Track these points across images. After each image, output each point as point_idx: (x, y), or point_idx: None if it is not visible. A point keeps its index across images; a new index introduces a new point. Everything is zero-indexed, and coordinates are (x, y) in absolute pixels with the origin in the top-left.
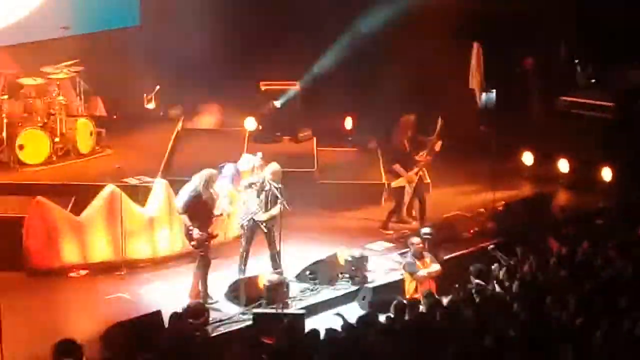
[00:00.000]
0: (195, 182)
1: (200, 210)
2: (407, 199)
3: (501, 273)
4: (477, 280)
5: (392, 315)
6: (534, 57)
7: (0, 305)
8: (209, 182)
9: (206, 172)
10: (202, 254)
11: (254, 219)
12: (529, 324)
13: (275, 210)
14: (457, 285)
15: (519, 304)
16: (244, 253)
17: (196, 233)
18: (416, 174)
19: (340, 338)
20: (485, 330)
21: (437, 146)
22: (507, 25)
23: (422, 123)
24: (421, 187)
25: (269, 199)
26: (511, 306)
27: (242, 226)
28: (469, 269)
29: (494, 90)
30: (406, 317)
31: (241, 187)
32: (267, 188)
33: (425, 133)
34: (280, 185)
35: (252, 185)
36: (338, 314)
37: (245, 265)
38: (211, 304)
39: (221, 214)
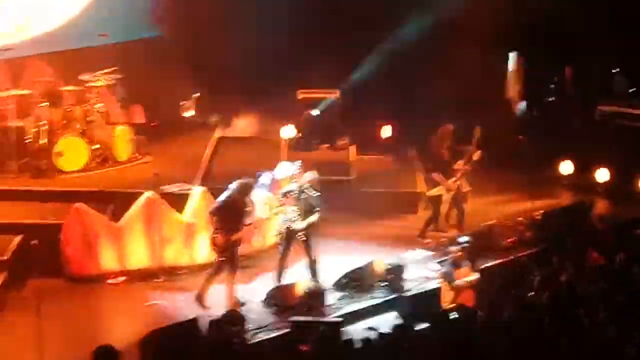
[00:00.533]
0: (231, 189)
1: (230, 217)
2: (445, 207)
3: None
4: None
5: (429, 325)
6: (573, 67)
7: (40, 311)
8: (244, 191)
9: (244, 181)
10: (223, 260)
11: (291, 227)
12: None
13: (312, 219)
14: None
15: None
16: (282, 261)
17: (218, 239)
18: (455, 182)
19: (376, 347)
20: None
21: (476, 155)
22: (545, 35)
23: (460, 132)
24: (459, 196)
25: (306, 207)
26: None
27: (279, 234)
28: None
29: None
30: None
31: (279, 195)
32: (304, 196)
33: (463, 142)
34: (317, 193)
35: (290, 194)
36: (371, 328)
37: (282, 273)
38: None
39: (251, 224)
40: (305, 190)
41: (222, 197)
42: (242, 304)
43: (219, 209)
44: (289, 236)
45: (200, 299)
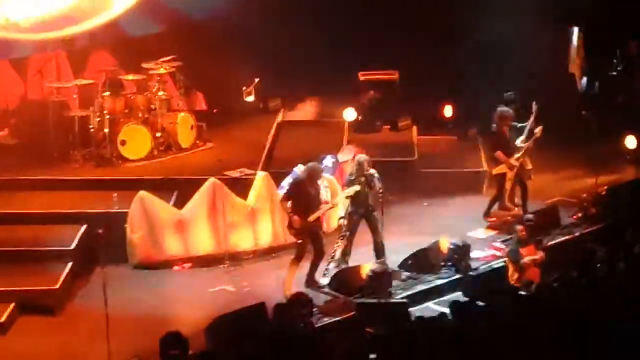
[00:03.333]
0: (297, 173)
1: (301, 200)
2: (508, 185)
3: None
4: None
5: (493, 303)
6: (636, 40)
7: (106, 299)
8: (313, 175)
9: (311, 165)
10: (300, 242)
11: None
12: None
13: (349, 191)
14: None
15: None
16: (347, 244)
17: (295, 220)
18: (517, 160)
19: (445, 326)
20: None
21: (538, 131)
22: (608, 9)
23: (522, 110)
24: (523, 174)
25: (369, 189)
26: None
27: (345, 216)
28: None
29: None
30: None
31: (346, 182)
32: (364, 179)
33: (523, 119)
34: (377, 175)
35: (351, 177)
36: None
37: (348, 255)
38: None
39: (327, 203)
40: (365, 174)
41: (289, 181)
42: (322, 286)
43: (289, 195)
44: (353, 219)
45: (287, 286)
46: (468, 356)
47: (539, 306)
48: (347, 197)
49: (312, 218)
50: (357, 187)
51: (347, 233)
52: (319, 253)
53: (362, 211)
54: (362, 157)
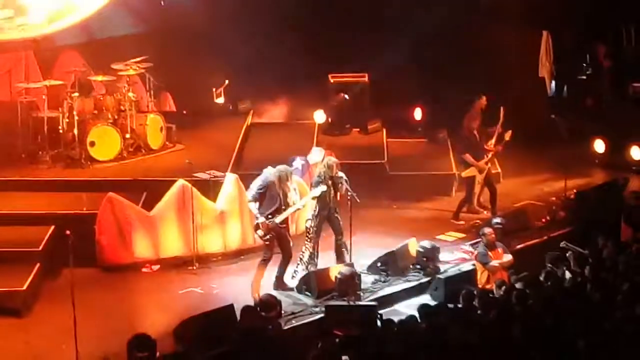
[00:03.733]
0: (266, 174)
1: (269, 202)
2: (477, 188)
3: (572, 261)
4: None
5: (462, 305)
6: (605, 44)
7: (74, 300)
8: (282, 177)
9: (281, 167)
10: (267, 244)
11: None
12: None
13: (315, 192)
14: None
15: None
16: (315, 246)
17: (263, 222)
18: (486, 163)
19: (416, 328)
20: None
21: (507, 135)
22: (576, 13)
23: (491, 113)
24: (491, 177)
25: (335, 191)
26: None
27: (312, 218)
28: (544, 257)
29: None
30: (480, 307)
31: (314, 183)
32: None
33: (490, 123)
34: (342, 176)
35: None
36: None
37: (316, 257)
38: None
39: (293, 205)
40: (333, 176)
41: (258, 183)
42: (290, 289)
43: (256, 196)
44: (316, 221)
45: (255, 288)
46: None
47: (509, 309)
48: (313, 198)
49: (279, 220)
50: (324, 188)
51: (314, 235)
52: (286, 255)
53: (325, 213)
54: (332, 159)
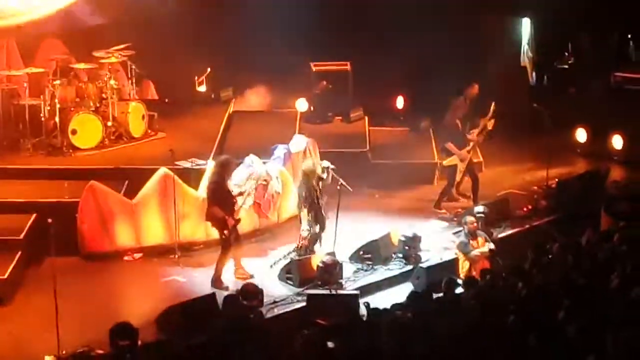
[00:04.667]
0: (211, 168)
1: (223, 195)
2: (459, 177)
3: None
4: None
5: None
6: (588, 33)
7: (56, 289)
8: (222, 169)
9: (222, 158)
10: (223, 237)
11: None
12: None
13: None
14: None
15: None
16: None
17: (217, 212)
18: (468, 152)
19: (401, 317)
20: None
21: (490, 124)
22: (559, 1)
23: (475, 103)
24: (473, 166)
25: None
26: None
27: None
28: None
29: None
30: (463, 294)
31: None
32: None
33: (479, 114)
34: (326, 165)
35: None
36: (365, 303)
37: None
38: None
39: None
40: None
41: (209, 178)
42: (252, 276)
43: (214, 191)
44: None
45: (217, 282)
46: (424, 347)
47: (492, 298)
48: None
49: (233, 213)
50: (312, 163)
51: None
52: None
53: (313, 211)
54: (308, 165)
